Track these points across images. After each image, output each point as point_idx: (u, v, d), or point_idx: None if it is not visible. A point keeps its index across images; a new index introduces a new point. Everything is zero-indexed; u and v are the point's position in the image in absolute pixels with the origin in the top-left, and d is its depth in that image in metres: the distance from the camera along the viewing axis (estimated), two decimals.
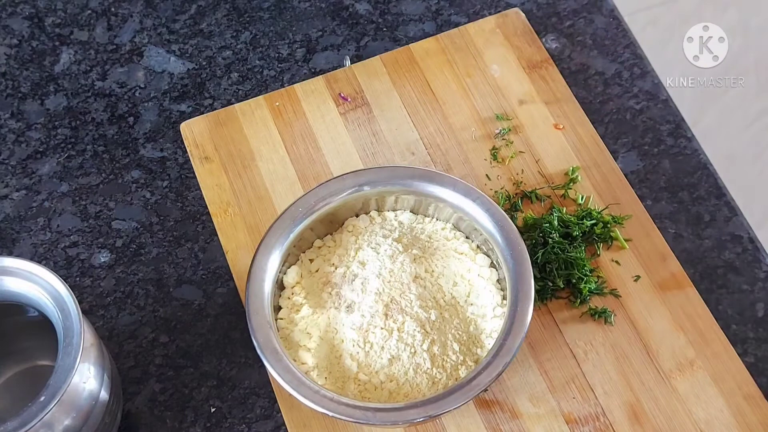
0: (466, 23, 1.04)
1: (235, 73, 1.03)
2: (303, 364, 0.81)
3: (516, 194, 0.93)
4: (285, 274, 0.85)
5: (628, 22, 1.06)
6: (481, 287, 0.84)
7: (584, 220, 0.90)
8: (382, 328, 0.80)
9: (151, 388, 0.86)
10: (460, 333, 0.81)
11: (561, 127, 0.97)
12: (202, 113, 1.00)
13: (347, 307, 0.82)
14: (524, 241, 0.82)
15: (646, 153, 0.96)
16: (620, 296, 0.88)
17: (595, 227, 0.90)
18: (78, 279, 0.91)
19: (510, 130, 0.97)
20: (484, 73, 1.00)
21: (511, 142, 0.96)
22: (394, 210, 0.89)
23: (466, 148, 0.96)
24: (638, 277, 0.89)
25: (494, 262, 0.85)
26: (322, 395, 0.76)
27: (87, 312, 0.89)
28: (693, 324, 0.86)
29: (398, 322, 0.80)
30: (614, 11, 1.06)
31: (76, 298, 0.72)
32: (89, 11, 1.07)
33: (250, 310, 0.80)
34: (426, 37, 1.04)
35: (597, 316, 0.87)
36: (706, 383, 0.84)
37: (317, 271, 0.86)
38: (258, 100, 1.00)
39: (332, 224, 0.88)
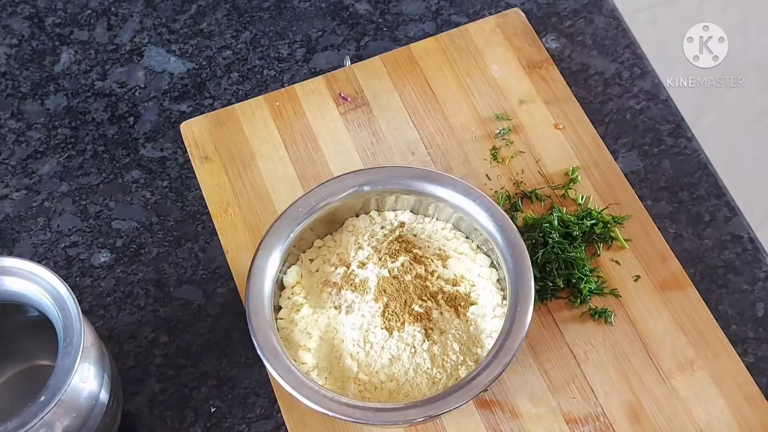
0: (466, 23, 1.04)
1: (235, 73, 1.03)
2: (303, 364, 0.81)
3: (516, 194, 0.93)
4: (285, 274, 0.85)
5: (628, 22, 1.06)
6: (481, 287, 0.84)
7: (584, 220, 0.90)
8: (382, 328, 0.80)
9: (151, 388, 0.86)
10: (460, 333, 0.81)
11: (561, 127, 0.97)
12: (202, 113, 1.00)
13: (347, 307, 0.82)
14: (524, 241, 0.82)
15: (646, 153, 0.96)
16: (620, 296, 0.88)
17: (595, 227, 0.90)
18: (78, 279, 0.91)
19: (510, 130, 0.97)
20: (484, 73, 1.00)
21: (511, 142, 0.96)
22: (394, 210, 0.89)
23: (466, 148, 0.96)
24: (638, 277, 0.89)
25: (494, 262, 0.85)
26: (322, 395, 0.76)
27: (87, 312, 0.89)
28: (693, 324, 0.86)
29: (398, 322, 0.80)
30: (614, 11, 1.06)
31: (76, 298, 0.72)
32: (89, 11, 1.07)
33: (250, 310, 0.80)
34: (426, 37, 1.04)
35: (597, 316, 0.87)
36: (706, 383, 0.84)
37: (317, 271, 0.86)
38: (258, 100, 1.00)
39: (332, 224, 0.88)
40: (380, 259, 0.83)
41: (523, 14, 1.04)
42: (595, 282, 0.88)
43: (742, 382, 0.84)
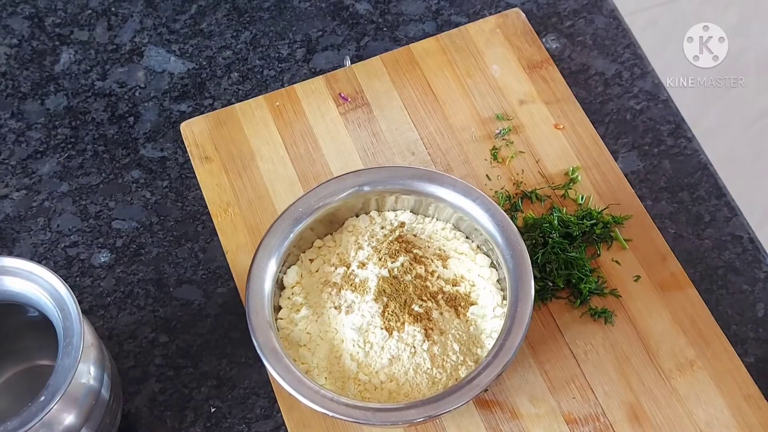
0: (466, 23, 1.04)
1: (235, 73, 1.03)
2: (303, 364, 0.81)
3: (516, 194, 0.93)
4: (285, 274, 0.85)
5: (628, 22, 1.06)
6: (482, 287, 0.84)
7: (584, 220, 0.90)
8: (381, 328, 0.80)
9: (151, 388, 0.86)
10: (460, 333, 0.81)
11: (561, 127, 0.97)
12: (202, 113, 1.00)
13: (347, 307, 0.82)
14: (524, 241, 0.82)
15: (647, 153, 0.96)
16: (620, 296, 0.88)
17: (595, 227, 0.90)
18: (78, 279, 0.91)
19: (510, 130, 0.97)
20: (485, 73, 1.00)
21: (512, 142, 0.96)
22: (394, 210, 0.89)
23: (466, 148, 0.96)
24: (638, 277, 0.89)
25: (494, 262, 0.85)
26: (322, 395, 0.76)
27: (87, 312, 0.89)
28: (693, 324, 0.86)
29: (398, 322, 0.80)
30: (614, 11, 1.06)
31: (76, 298, 0.72)
32: (89, 11, 1.07)
33: (250, 310, 0.80)
34: (426, 37, 1.04)
35: (597, 316, 0.87)
36: (706, 383, 0.84)
37: (317, 271, 0.86)
38: (258, 100, 1.00)
39: (332, 224, 0.88)
40: (380, 259, 0.83)
41: (523, 14, 1.04)
42: (595, 282, 0.88)
43: (742, 382, 0.84)
